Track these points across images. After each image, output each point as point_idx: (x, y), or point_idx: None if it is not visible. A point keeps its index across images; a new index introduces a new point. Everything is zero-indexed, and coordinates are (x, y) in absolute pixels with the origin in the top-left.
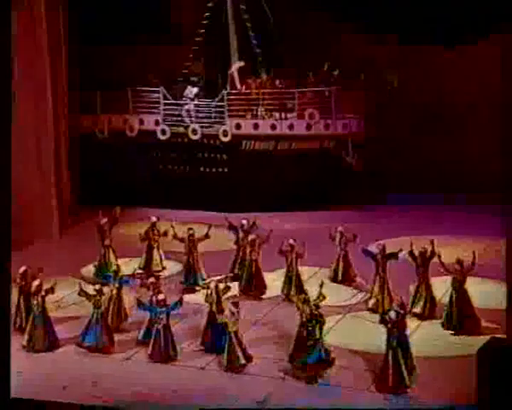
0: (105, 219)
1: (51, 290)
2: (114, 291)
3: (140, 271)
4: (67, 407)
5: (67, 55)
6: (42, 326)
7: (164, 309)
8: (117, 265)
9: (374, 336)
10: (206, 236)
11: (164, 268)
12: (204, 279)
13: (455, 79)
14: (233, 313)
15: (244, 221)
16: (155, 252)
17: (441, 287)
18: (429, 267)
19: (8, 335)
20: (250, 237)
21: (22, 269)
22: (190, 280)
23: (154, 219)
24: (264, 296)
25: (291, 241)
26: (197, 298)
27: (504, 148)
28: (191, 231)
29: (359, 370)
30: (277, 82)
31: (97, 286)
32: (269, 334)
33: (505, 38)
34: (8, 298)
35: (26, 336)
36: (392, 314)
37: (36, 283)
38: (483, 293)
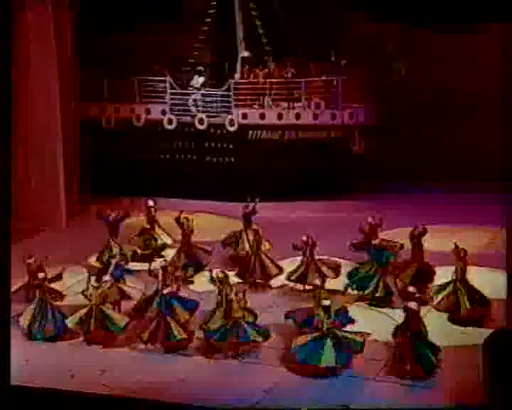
0: (113, 215)
1: (59, 277)
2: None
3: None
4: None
5: (75, 44)
6: (47, 315)
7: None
8: (112, 256)
9: (379, 324)
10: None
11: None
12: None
13: (460, 69)
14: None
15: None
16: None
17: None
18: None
19: (8, 323)
20: (253, 227)
21: (31, 257)
22: (187, 269)
23: (150, 203)
24: (270, 286)
25: (304, 238)
26: (194, 287)
27: (505, 137)
28: (185, 221)
29: (366, 359)
30: (284, 71)
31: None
32: (275, 323)
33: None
34: (9, 288)
35: (27, 324)
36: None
37: (41, 275)
38: (488, 283)
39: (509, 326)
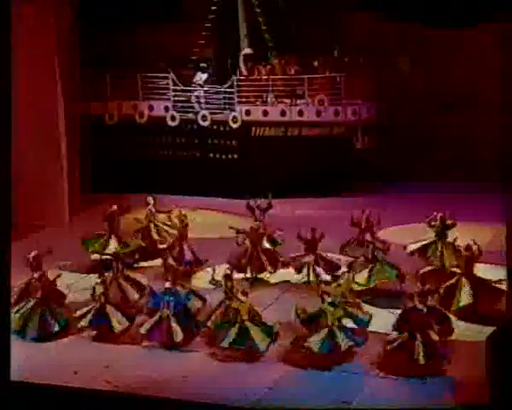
0: (114, 207)
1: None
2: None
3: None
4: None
5: (77, 40)
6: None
7: (172, 299)
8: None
9: (382, 320)
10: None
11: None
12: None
13: (463, 68)
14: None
15: (259, 201)
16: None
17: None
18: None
19: (8, 320)
20: (253, 225)
21: (34, 253)
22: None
23: (150, 200)
24: (272, 282)
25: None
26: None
27: (505, 135)
28: (183, 217)
29: (368, 355)
30: (287, 68)
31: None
32: (278, 319)
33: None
34: (9, 283)
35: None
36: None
37: (36, 275)
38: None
39: (510, 322)
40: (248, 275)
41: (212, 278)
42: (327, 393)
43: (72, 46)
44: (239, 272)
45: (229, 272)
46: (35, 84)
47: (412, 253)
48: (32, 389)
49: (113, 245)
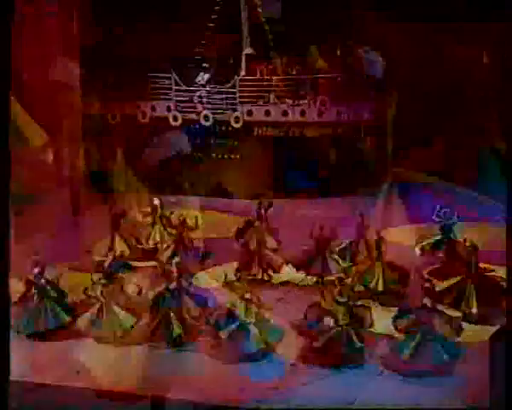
0: (117, 210)
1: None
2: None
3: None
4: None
5: (78, 40)
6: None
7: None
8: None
9: (385, 319)
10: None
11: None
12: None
13: (467, 68)
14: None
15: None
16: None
17: None
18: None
19: (8, 318)
20: (256, 224)
21: (37, 252)
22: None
23: (156, 201)
24: (275, 282)
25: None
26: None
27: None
28: (182, 218)
29: (371, 355)
30: (289, 68)
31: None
32: (280, 319)
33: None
34: (8, 282)
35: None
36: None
37: (36, 270)
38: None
39: (509, 323)
40: (253, 275)
41: (225, 280)
42: (328, 392)
43: (73, 46)
44: (247, 271)
45: (239, 273)
46: (35, 83)
47: (422, 252)
48: (32, 389)
49: (118, 246)
